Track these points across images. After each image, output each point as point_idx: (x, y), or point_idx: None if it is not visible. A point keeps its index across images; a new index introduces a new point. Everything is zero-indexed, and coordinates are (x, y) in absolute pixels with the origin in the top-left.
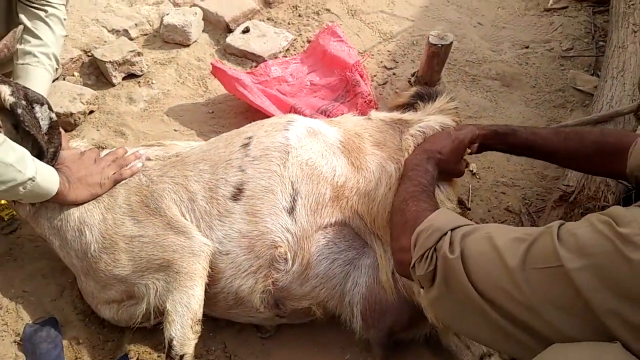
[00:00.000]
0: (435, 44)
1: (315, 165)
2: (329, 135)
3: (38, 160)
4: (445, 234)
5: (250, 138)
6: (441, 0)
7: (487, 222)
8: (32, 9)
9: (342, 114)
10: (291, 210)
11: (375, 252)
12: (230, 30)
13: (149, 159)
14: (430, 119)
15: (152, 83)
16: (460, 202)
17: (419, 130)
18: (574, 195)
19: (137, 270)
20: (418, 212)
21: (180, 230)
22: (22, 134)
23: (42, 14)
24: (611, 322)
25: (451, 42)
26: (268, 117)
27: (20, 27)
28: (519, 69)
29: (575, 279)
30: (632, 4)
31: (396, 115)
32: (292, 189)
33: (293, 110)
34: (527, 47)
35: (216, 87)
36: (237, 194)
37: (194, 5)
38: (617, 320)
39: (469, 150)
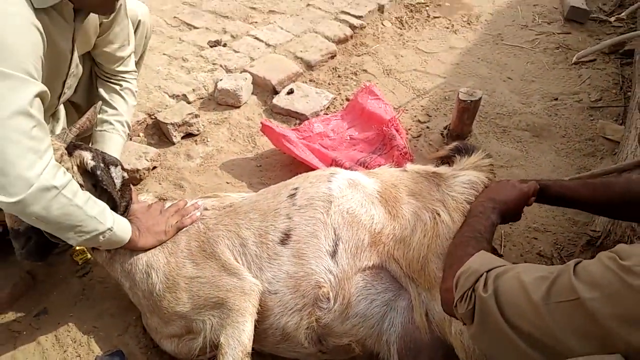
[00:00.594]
0: (464, 100)
1: (355, 214)
2: (367, 186)
3: (114, 213)
4: (482, 275)
5: (296, 189)
6: (472, 57)
7: None
8: (110, 84)
9: (379, 166)
10: (333, 254)
11: (410, 295)
12: (276, 92)
13: (206, 209)
14: (465, 173)
15: (207, 141)
16: (494, 249)
17: (464, 187)
18: (601, 240)
19: (196, 308)
20: (463, 257)
21: (233, 272)
22: (100, 191)
23: (118, 87)
24: (622, 347)
25: (480, 98)
26: (312, 169)
27: (100, 102)
28: (549, 120)
29: (590, 308)
30: None
31: (430, 168)
32: (334, 234)
33: (334, 162)
34: (557, 99)
35: (264, 143)
36: (285, 239)
37: (244, 71)
38: (626, 345)
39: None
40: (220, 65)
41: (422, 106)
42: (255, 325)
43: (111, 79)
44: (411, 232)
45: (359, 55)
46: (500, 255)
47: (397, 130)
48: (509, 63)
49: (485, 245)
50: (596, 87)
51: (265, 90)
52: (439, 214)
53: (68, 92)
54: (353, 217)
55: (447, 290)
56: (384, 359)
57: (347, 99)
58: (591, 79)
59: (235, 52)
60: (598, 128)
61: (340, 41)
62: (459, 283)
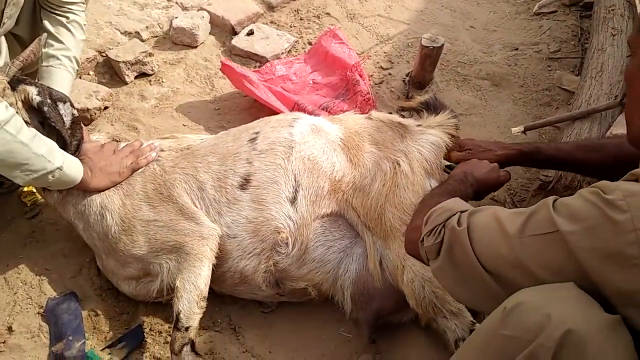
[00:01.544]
0: (427, 46)
1: (317, 161)
2: (330, 132)
3: (64, 152)
4: (455, 213)
5: (257, 133)
6: (436, 4)
7: None
8: (55, 16)
9: (343, 111)
10: (293, 200)
11: (365, 243)
12: (235, 33)
13: (162, 150)
14: (432, 132)
15: (162, 82)
16: None
17: (430, 146)
18: (552, 184)
19: (153, 251)
20: (437, 202)
21: (191, 216)
22: (48, 129)
23: (64, 20)
24: (599, 280)
25: (442, 45)
26: (273, 113)
27: (45, 34)
28: (508, 69)
29: (569, 241)
30: (612, 9)
31: (396, 118)
32: (295, 181)
33: (296, 106)
34: (517, 49)
35: (222, 85)
36: (245, 184)
37: (201, 9)
38: (604, 280)
39: None
40: (176, 2)
41: (385, 52)
42: (213, 268)
43: (56, 10)
44: (371, 181)
45: None
46: None
47: (360, 76)
48: (472, 12)
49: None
50: (556, 38)
51: (223, 30)
52: (399, 165)
53: (8, 23)
54: (314, 164)
55: (414, 230)
56: (338, 303)
57: (310, 43)
58: (551, 30)
59: None
60: (555, 78)
61: None
62: (430, 219)
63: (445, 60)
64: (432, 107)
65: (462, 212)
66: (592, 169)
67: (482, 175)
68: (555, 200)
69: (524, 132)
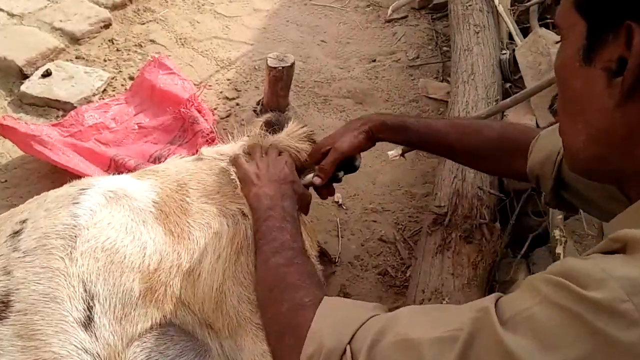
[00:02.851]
0: (275, 67)
1: (116, 248)
2: (138, 196)
3: None
4: (344, 352)
5: (24, 222)
6: (279, 20)
7: (361, 259)
8: None
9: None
10: (87, 323)
11: (212, 350)
12: (25, 76)
13: None
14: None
15: None
16: (323, 254)
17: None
18: (448, 216)
19: None
20: (295, 312)
21: None
22: None
23: None
24: None
25: (293, 63)
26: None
27: None
28: (370, 84)
29: None
30: (469, 5)
31: (235, 147)
32: (85, 291)
33: (113, 162)
34: (375, 61)
35: (9, 148)
36: (2, 311)
37: None
38: None
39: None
40: None
41: (228, 80)
42: None
43: None
44: (200, 257)
45: (143, 24)
46: (335, 264)
47: (199, 111)
48: (321, 25)
49: (306, 262)
50: (412, 44)
51: (8, 74)
52: (244, 215)
53: None
54: (112, 256)
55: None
56: None
57: (132, 78)
58: (406, 37)
59: None
60: (420, 87)
61: (115, 6)
62: None
63: (300, 81)
64: (277, 124)
65: (350, 341)
66: (467, 155)
67: (285, 169)
68: (497, 301)
69: (402, 155)
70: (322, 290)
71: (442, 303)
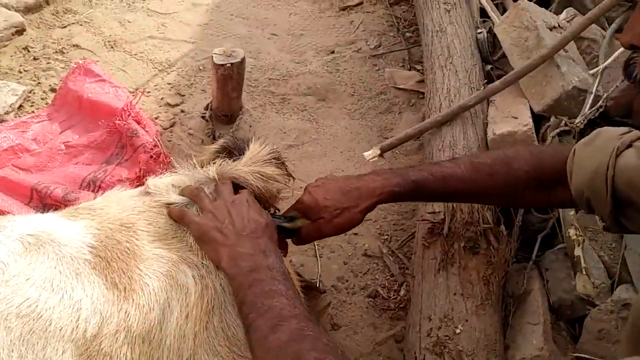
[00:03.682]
0: (223, 64)
1: (38, 313)
2: (68, 240)
3: None
4: None
5: None
6: (222, 14)
7: (346, 280)
8: None
9: (121, 181)
10: None
11: None
12: None
13: None
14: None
15: None
16: (308, 287)
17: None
18: (447, 224)
19: None
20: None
21: None
22: None
23: None
24: None
25: (243, 58)
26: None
27: None
28: (331, 77)
29: None
30: None
31: (194, 175)
32: None
33: (36, 192)
34: (333, 52)
35: None
36: None
37: None
38: None
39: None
40: None
41: (169, 84)
42: None
43: None
44: (161, 317)
45: (64, 27)
46: (320, 291)
47: (138, 122)
48: (270, 17)
49: (316, 330)
50: (372, 32)
51: None
52: (208, 270)
53: None
54: (33, 323)
55: None
56: None
57: (54, 90)
58: (364, 24)
59: None
60: (387, 78)
61: (29, 9)
62: None
63: (253, 80)
64: (235, 148)
65: None
66: (500, 197)
67: (252, 216)
68: None
69: (381, 155)
70: None
71: (455, 331)
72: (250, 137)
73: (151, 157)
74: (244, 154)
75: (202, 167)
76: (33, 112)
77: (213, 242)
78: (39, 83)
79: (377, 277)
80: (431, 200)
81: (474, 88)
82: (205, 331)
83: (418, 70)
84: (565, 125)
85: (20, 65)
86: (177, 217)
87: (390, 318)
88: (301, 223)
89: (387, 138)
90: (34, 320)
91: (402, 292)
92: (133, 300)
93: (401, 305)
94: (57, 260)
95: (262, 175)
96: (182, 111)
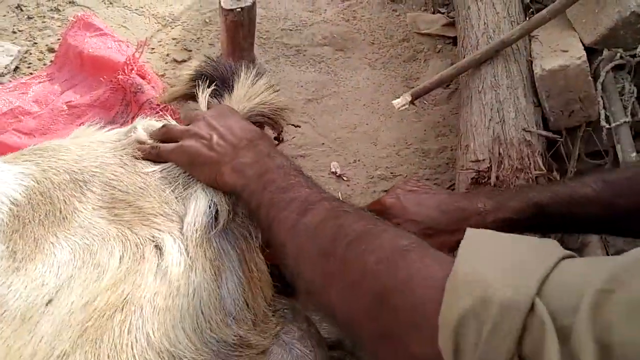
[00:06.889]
0: (232, 9)
1: None
2: None
3: None
4: (532, 308)
5: None
6: None
7: None
8: None
9: None
10: None
11: None
12: None
13: None
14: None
15: None
16: None
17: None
18: (494, 172)
19: None
20: (395, 262)
21: None
22: None
23: None
24: None
25: (254, 3)
26: None
27: None
28: (348, 26)
29: None
30: None
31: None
32: None
33: None
34: None
35: None
36: None
37: None
38: None
39: None
40: None
41: (174, 39)
42: None
43: None
44: (53, 295)
45: None
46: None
47: (143, 77)
48: None
49: (353, 207)
50: None
51: None
52: (157, 249)
53: None
54: None
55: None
56: None
57: (51, 50)
58: None
59: None
60: (409, 23)
61: None
62: (465, 348)
63: (264, 32)
64: (217, 77)
65: (539, 291)
66: (631, 220)
67: (246, 137)
68: None
69: (412, 102)
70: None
71: None
72: (230, 62)
73: (157, 114)
74: (227, 82)
75: (177, 99)
76: (31, 73)
77: (208, 164)
78: (35, 43)
79: None
80: (552, 231)
81: (514, 22)
82: (98, 330)
83: (443, 13)
84: (621, 57)
85: (14, 25)
86: (152, 155)
87: None
88: None
89: (412, 87)
90: None
91: None
92: (26, 271)
93: None
94: None
95: (277, 107)
96: (190, 66)
